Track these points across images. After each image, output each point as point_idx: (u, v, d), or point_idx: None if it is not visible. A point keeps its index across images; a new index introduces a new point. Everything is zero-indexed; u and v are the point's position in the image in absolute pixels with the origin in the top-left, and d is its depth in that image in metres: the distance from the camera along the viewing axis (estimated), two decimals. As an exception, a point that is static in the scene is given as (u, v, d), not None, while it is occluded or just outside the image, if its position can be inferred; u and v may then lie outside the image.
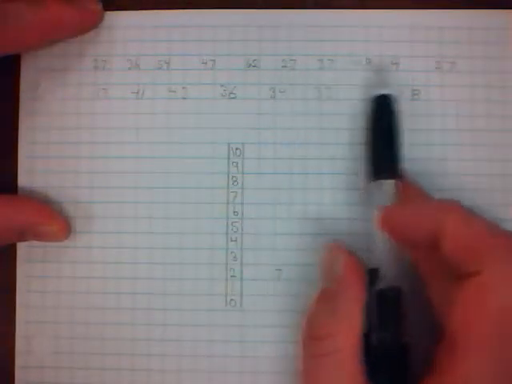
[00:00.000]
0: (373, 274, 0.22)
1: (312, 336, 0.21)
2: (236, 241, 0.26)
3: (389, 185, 0.23)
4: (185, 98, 0.26)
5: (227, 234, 0.26)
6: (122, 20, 0.26)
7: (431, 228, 0.21)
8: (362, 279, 0.22)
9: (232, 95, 0.26)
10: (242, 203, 0.26)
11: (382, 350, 0.21)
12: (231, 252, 0.26)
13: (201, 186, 0.26)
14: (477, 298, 0.19)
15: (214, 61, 0.26)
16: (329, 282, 0.22)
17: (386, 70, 0.25)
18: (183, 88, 0.26)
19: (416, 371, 0.21)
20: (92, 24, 0.26)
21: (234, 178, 0.26)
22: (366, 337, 0.21)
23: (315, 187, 0.26)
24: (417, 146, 0.26)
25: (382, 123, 0.24)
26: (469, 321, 0.19)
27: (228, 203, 0.26)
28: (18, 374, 0.26)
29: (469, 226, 0.20)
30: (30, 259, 0.26)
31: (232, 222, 0.26)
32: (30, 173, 0.26)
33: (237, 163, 0.26)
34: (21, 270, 0.26)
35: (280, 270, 0.25)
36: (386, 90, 0.24)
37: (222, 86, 0.26)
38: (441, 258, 0.21)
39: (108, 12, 0.26)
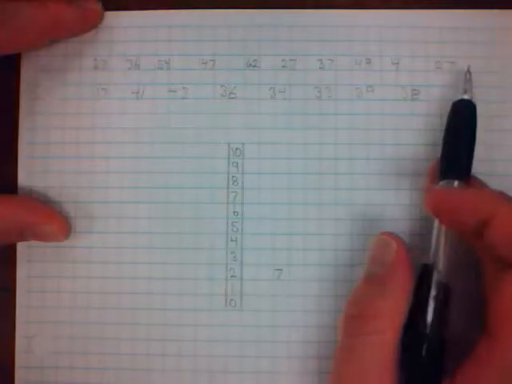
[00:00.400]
0: (425, 269, 0.23)
1: (357, 315, 0.22)
2: (236, 241, 0.26)
3: (458, 185, 0.23)
4: (185, 98, 0.26)
5: (227, 233, 0.26)
6: (122, 20, 0.26)
7: (480, 214, 0.21)
8: (411, 268, 0.22)
9: (232, 95, 0.26)
10: (242, 203, 0.26)
11: (418, 343, 0.22)
12: (231, 252, 0.26)
13: (201, 186, 0.26)
14: None
15: (213, 61, 0.26)
16: (377, 266, 0.22)
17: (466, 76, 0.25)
18: (183, 88, 0.26)
19: (454, 363, 0.21)
20: (92, 24, 0.26)
21: (234, 178, 0.26)
22: (407, 327, 0.21)
23: (315, 187, 0.26)
24: (417, 146, 0.26)
25: (462, 126, 0.24)
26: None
27: (228, 203, 0.26)
28: (18, 374, 0.26)
29: None
30: (30, 259, 0.26)
31: (232, 222, 0.26)
32: (30, 173, 0.26)
33: (237, 163, 0.26)
34: (21, 270, 0.26)
35: (280, 270, 0.25)
36: (466, 96, 0.24)
37: (221, 86, 0.26)
38: (488, 247, 0.21)
39: (108, 12, 0.26)
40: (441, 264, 0.22)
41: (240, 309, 0.25)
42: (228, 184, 0.26)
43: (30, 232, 0.25)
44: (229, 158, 0.26)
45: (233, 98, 0.26)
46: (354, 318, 0.22)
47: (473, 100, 0.24)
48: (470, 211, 0.21)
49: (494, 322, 0.20)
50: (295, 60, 0.26)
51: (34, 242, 0.25)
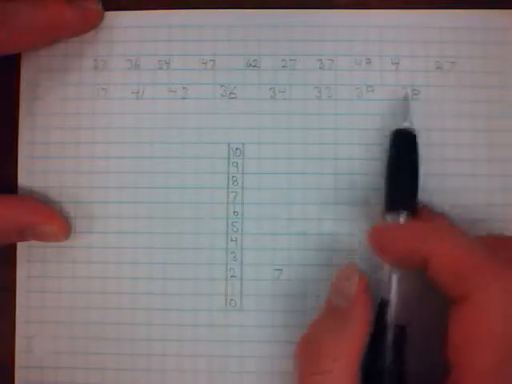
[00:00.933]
0: (383, 305, 0.22)
1: (313, 353, 0.21)
2: (236, 241, 0.26)
3: (405, 217, 0.23)
4: (185, 98, 0.26)
5: (227, 233, 0.26)
6: (122, 20, 0.26)
7: (418, 252, 0.20)
8: (371, 303, 0.22)
9: (232, 95, 0.26)
10: (242, 203, 0.26)
11: (378, 378, 0.22)
12: (231, 252, 0.26)
13: (201, 186, 0.26)
14: (470, 325, 0.19)
15: (214, 61, 0.26)
16: (339, 299, 0.22)
17: (406, 100, 0.25)
18: (183, 88, 0.26)
19: None
20: (92, 24, 0.26)
21: (234, 178, 0.26)
22: (366, 361, 0.21)
23: (315, 187, 0.26)
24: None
25: (403, 157, 0.24)
26: (468, 347, 0.19)
27: (228, 203, 0.26)
28: (18, 374, 0.26)
29: (455, 251, 0.20)
30: (30, 259, 0.26)
31: (232, 222, 0.26)
32: (30, 173, 0.26)
33: (237, 163, 0.26)
34: (21, 270, 0.26)
35: (280, 269, 0.25)
36: (406, 123, 0.24)
37: (221, 86, 0.26)
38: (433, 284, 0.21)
39: (108, 12, 0.26)
40: (394, 302, 0.22)
41: (240, 309, 0.25)
42: (228, 184, 0.26)
43: (30, 232, 0.25)
44: (229, 158, 0.26)
45: (233, 98, 0.26)
46: (311, 355, 0.21)
47: (412, 127, 0.24)
48: (407, 249, 0.21)
49: (448, 356, 0.20)
50: (295, 60, 0.26)
51: (33, 242, 0.25)
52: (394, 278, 0.22)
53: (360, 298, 0.21)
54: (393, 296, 0.22)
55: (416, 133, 0.24)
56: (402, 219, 0.23)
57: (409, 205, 0.23)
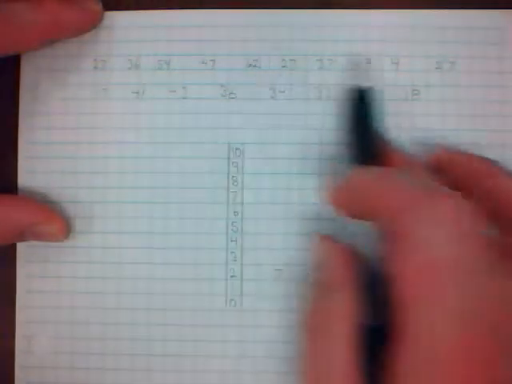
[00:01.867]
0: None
1: (314, 326, 0.21)
2: (236, 241, 0.26)
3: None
4: (185, 98, 0.26)
5: (227, 234, 0.26)
6: (122, 20, 0.26)
7: (365, 207, 0.21)
8: (354, 265, 0.21)
9: (232, 95, 0.26)
10: (242, 203, 0.26)
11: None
12: (231, 252, 0.26)
13: (201, 186, 0.26)
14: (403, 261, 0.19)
15: (214, 61, 0.26)
16: (321, 272, 0.22)
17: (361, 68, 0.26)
18: (183, 88, 0.26)
19: None
20: (92, 24, 0.26)
21: (234, 178, 0.26)
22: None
23: (315, 187, 0.26)
24: (417, 146, 0.26)
25: (357, 115, 0.24)
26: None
27: (228, 203, 0.26)
28: (18, 374, 0.26)
29: (390, 192, 0.20)
30: (30, 259, 0.26)
31: (232, 222, 0.26)
32: (30, 173, 0.26)
33: (237, 163, 0.26)
34: (21, 270, 0.26)
35: (280, 270, 0.25)
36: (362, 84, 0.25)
37: (222, 86, 0.26)
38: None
39: (108, 12, 0.26)
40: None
41: (240, 309, 0.25)
42: (228, 184, 0.26)
43: (30, 232, 0.25)
44: (229, 158, 0.26)
45: (233, 98, 0.26)
46: (311, 328, 0.21)
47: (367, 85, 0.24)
48: (357, 204, 0.21)
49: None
50: (295, 60, 0.26)
51: (33, 242, 0.25)
52: None
53: (340, 268, 0.21)
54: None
55: (369, 88, 0.24)
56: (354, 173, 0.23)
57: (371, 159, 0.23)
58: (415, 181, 0.21)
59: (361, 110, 0.24)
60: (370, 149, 0.24)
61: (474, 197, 0.20)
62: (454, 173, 0.24)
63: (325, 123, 0.26)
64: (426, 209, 0.19)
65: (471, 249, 0.18)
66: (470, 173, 0.24)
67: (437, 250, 0.18)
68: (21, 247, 0.26)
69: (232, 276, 0.26)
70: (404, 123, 0.26)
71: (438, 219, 0.19)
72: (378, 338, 0.20)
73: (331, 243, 0.22)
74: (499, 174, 0.24)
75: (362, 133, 0.24)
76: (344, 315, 0.20)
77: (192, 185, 0.26)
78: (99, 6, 0.26)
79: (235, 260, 0.26)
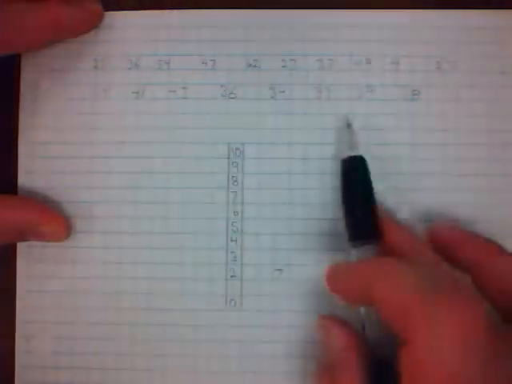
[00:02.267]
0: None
1: None
2: (236, 241, 0.26)
3: (368, 249, 0.23)
4: (185, 98, 0.26)
5: (227, 234, 0.26)
6: (121, 20, 0.26)
7: (363, 294, 0.20)
8: (360, 348, 0.21)
9: (232, 95, 0.26)
10: (242, 203, 0.26)
11: None
12: (231, 252, 0.26)
13: (201, 186, 0.26)
14: (414, 369, 0.19)
15: (214, 61, 0.26)
16: (328, 352, 0.22)
17: (355, 132, 0.25)
18: (183, 88, 0.26)
19: None
20: (92, 24, 0.26)
21: (234, 178, 0.26)
22: None
23: (315, 187, 0.26)
24: (417, 146, 0.26)
25: (354, 187, 0.24)
26: None
27: (228, 203, 0.26)
28: (18, 374, 0.26)
29: (396, 291, 0.19)
30: (30, 259, 0.26)
31: (232, 222, 0.26)
32: (30, 173, 0.26)
33: (237, 163, 0.26)
34: (21, 270, 0.26)
35: (280, 269, 0.25)
36: (355, 152, 0.24)
37: (222, 86, 0.26)
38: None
39: (108, 12, 0.26)
40: (370, 338, 0.22)
41: (240, 309, 0.25)
42: (228, 184, 0.26)
43: (30, 232, 0.25)
44: (229, 158, 0.26)
45: (233, 98, 0.26)
46: None
47: (359, 154, 0.24)
48: (354, 291, 0.21)
49: None
50: (295, 60, 0.26)
51: (33, 242, 0.25)
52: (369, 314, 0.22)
53: (346, 350, 0.21)
54: (369, 334, 0.22)
55: (363, 159, 0.24)
56: (364, 253, 0.23)
57: (371, 236, 0.23)
58: (419, 272, 0.20)
59: (355, 180, 0.24)
60: (370, 223, 0.23)
61: (477, 279, 0.20)
62: (456, 252, 0.23)
63: (325, 123, 0.26)
64: (433, 310, 0.18)
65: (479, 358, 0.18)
66: (472, 253, 0.23)
67: (446, 357, 0.18)
68: (21, 247, 0.26)
69: (232, 276, 0.26)
70: (404, 123, 0.26)
71: (446, 322, 0.18)
72: None
73: (332, 325, 0.22)
74: (501, 252, 0.22)
75: (361, 207, 0.23)
76: None
77: (192, 185, 0.26)
78: (99, 6, 0.26)
79: (235, 260, 0.26)
